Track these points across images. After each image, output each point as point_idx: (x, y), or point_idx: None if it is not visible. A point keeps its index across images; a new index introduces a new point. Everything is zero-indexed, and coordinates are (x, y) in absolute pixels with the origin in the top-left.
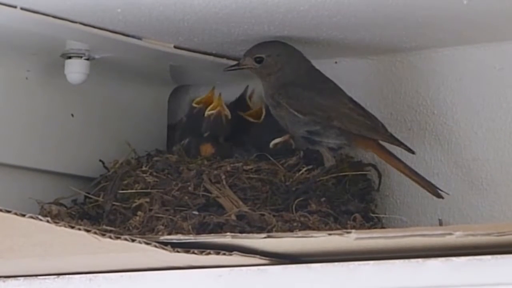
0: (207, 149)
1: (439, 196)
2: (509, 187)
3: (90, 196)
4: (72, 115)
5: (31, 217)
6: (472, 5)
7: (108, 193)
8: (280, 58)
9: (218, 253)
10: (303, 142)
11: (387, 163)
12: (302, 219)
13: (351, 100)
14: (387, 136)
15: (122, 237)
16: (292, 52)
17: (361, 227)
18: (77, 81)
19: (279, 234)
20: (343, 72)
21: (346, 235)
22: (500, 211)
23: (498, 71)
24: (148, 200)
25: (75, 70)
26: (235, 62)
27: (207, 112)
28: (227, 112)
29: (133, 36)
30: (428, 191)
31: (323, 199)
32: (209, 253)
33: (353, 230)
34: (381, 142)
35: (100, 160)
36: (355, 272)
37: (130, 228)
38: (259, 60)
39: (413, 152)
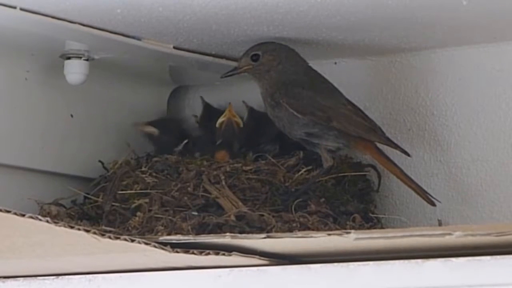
0: (221, 156)
1: (432, 203)
2: (508, 188)
3: (89, 196)
4: (72, 115)
5: (31, 217)
6: (471, 6)
7: (108, 193)
8: (277, 53)
9: (217, 254)
10: (301, 144)
11: (383, 166)
12: (301, 219)
13: (349, 101)
14: (384, 139)
15: (122, 237)
16: (288, 50)
17: (360, 227)
18: (77, 81)
19: (279, 234)
20: (342, 73)
21: (345, 235)
22: (499, 212)
23: (497, 71)
24: (147, 200)
25: (75, 70)
26: (234, 63)
27: (218, 122)
28: (238, 119)
29: (132, 37)
30: (422, 197)
31: (322, 199)
32: (208, 254)
33: (352, 231)
34: (378, 145)
35: (100, 161)
36: (355, 273)
37: (130, 228)
38: (255, 58)
39: (409, 155)
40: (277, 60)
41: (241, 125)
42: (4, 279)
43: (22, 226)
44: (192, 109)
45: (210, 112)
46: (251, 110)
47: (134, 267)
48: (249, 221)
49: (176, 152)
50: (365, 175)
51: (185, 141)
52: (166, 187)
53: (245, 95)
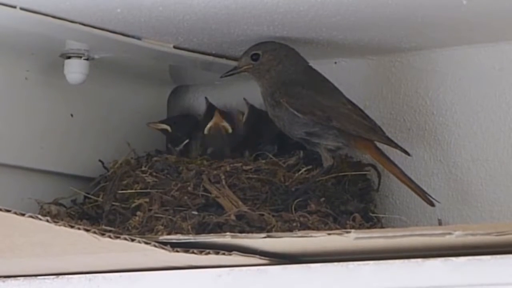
0: None
1: (432, 204)
2: (508, 188)
3: (89, 196)
4: (72, 115)
5: (31, 217)
6: (471, 5)
7: (108, 193)
8: (277, 52)
9: (217, 253)
10: (301, 143)
11: (382, 166)
12: (301, 219)
13: (349, 101)
14: (384, 138)
15: (122, 236)
16: (288, 49)
17: (360, 227)
18: (77, 81)
19: (279, 234)
20: (342, 73)
21: (345, 235)
22: (499, 211)
23: (497, 71)
24: (147, 200)
25: (75, 70)
26: (234, 62)
27: (205, 128)
28: (225, 124)
29: (132, 36)
30: (421, 198)
31: (322, 199)
32: (208, 253)
33: (352, 230)
34: (378, 145)
35: (100, 160)
36: (355, 272)
37: (130, 228)
38: (255, 58)
39: (409, 154)
40: (277, 59)
41: (230, 131)
42: (4, 279)
43: (22, 225)
44: (192, 108)
45: (213, 112)
46: (251, 107)
47: (134, 267)
48: (249, 221)
49: (176, 152)
50: (365, 174)
51: (186, 141)
52: (166, 186)
53: (245, 94)
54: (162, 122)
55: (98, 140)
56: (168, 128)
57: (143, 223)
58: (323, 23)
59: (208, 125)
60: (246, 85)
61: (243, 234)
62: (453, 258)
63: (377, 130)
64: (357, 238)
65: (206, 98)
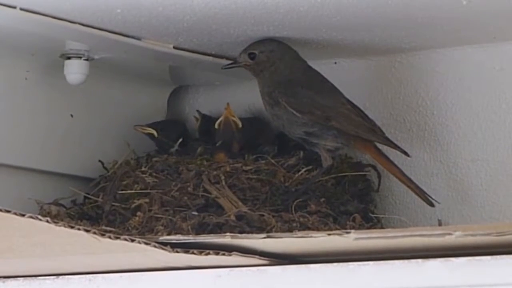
0: (220, 159)
1: (431, 204)
2: (508, 188)
3: (89, 196)
4: (72, 115)
5: (31, 217)
6: (471, 5)
7: (108, 193)
8: (273, 54)
9: (217, 254)
10: (300, 143)
11: (382, 166)
12: (301, 219)
13: (348, 101)
14: (384, 139)
15: (122, 237)
16: (287, 50)
17: (360, 227)
18: (77, 81)
19: (279, 234)
20: (342, 73)
21: (345, 235)
22: (499, 212)
23: (497, 71)
24: (147, 200)
25: (75, 70)
26: None
27: (216, 122)
28: (236, 119)
29: (132, 37)
30: (420, 198)
31: (322, 199)
32: (208, 254)
33: (352, 231)
34: (378, 145)
35: (100, 161)
36: (355, 273)
37: (130, 228)
38: (252, 57)
39: (408, 155)
40: (273, 60)
41: (240, 125)
42: (4, 279)
43: (22, 226)
44: (192, 109)
45: (209, 123)
46: (242, 120)
47: (134, 267)
48: (249, 221)
49: (172, 152)
50: (365, 175)
51: (180, 140)
52: (166, 187)
53: (245, 95)
54: (149, 126)
55: (98, 141)
56: (155, 132)
57: (143, 223)
58: (323, 23)
59: (219, 120)
60: (245, 85)
61: (243, 235)
62: (453, 259)
63: (377, 131)
64: (357, 238)
65: (198, 110)
